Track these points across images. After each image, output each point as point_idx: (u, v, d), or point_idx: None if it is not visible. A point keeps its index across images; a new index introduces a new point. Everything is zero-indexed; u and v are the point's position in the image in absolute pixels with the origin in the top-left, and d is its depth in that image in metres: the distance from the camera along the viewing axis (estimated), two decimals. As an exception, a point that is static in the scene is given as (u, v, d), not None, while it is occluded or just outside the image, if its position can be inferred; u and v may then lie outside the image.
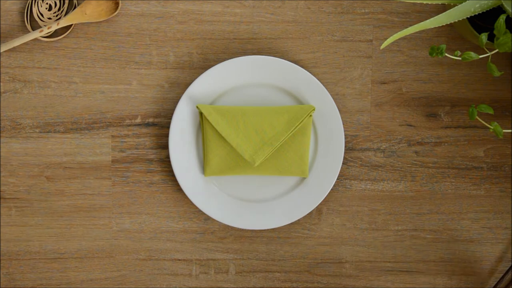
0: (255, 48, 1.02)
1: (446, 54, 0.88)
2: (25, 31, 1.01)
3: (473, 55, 0.85)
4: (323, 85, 1.01)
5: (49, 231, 1.04)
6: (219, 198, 1.02)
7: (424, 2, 0.87)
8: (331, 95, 1.01)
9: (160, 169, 1.03)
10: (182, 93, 1.02)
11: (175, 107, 1.02)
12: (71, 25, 1.01)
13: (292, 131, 0.98)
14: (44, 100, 1.02)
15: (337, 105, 1.02)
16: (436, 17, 0.85)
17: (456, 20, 0.85)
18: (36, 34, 0.99)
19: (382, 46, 0.86)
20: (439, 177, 1.04)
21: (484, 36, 0.85)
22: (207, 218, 1.04)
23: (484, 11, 0.86)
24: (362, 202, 1.04)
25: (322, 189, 1.01)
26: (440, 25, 0.85)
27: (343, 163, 1.03)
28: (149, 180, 1.03)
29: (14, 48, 1.01)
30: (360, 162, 1.03)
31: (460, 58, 0.86)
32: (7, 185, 1.03)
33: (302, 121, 0.98)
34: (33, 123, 1.02)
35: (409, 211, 1.04)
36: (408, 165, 1.03)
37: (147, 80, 1.02)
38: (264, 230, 1.04)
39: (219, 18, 1.01)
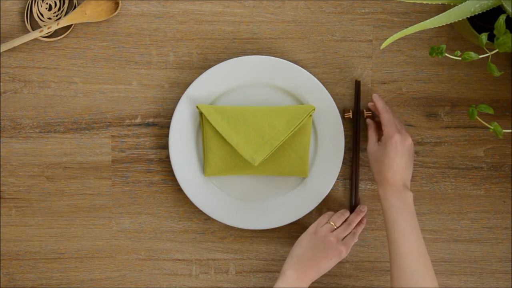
0: (255, 48, 1.02)
1: (446, 54, 0.88)
2: (25, 31, 1.01)
3: (473, 55, 0.85)
4: (323, 85, 1.01)
5: (49, 231, 1.04)
6: (219, 198, 1.02)
7: (424, 2, 0.87)
8: (331, 95, 1.01)
9: (160, 169, 1.03)
10: (182, 93, 1.02)
11: (175, 107, 1.02)
12: (71, 25, 1.01)
13: (292, 131, 0.98)
14: (44, 100, 1.02)
15: (337, 105, 1.02)
16: (436, 17, 0.85)
17: (456, 20, 0.85)
18: (36, 34, 0.99)
19: (382, 46, 0.86)
20: (439, 177, 1.03)
21: (484, 36, 0.85)
22: (207, 218, 1.04)
23: (484, 11, 0.86)
24: (362, 202, 1.04)
25: (322, 189, 1.01)
26: (440, 25, 0.85)
27: (343, 163, 1.03)
28: (149, 180, 1.03)
29: (14, 48, 1.01)
30: (360, 162, 1.03)
31: (460, 58, 0.86)
32: (7, 185, 1.03)
33: (302, 121, 0.98)
34: (33, 123, 1.02)
35: (409, 211, 1.04)
36: (408, 165, 1.03)
37: (147, 80, 1.02)
38: (264, 230, 1.04)
39: (219, 18, 1.01)
